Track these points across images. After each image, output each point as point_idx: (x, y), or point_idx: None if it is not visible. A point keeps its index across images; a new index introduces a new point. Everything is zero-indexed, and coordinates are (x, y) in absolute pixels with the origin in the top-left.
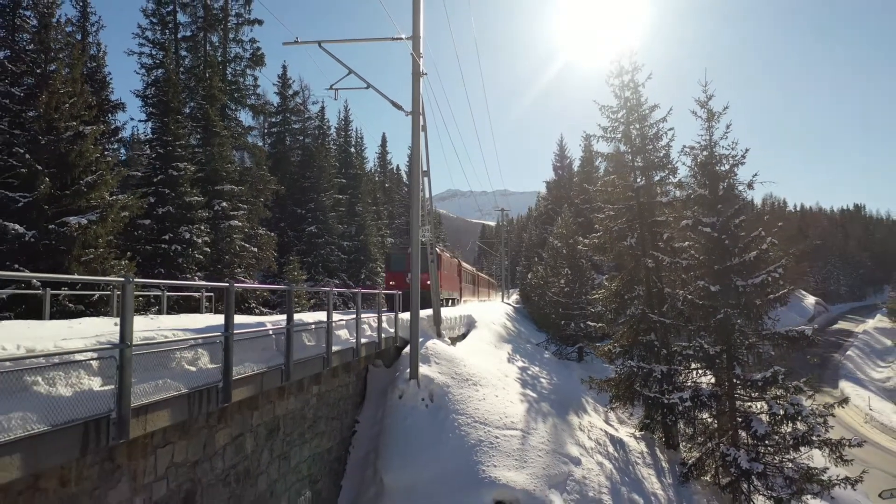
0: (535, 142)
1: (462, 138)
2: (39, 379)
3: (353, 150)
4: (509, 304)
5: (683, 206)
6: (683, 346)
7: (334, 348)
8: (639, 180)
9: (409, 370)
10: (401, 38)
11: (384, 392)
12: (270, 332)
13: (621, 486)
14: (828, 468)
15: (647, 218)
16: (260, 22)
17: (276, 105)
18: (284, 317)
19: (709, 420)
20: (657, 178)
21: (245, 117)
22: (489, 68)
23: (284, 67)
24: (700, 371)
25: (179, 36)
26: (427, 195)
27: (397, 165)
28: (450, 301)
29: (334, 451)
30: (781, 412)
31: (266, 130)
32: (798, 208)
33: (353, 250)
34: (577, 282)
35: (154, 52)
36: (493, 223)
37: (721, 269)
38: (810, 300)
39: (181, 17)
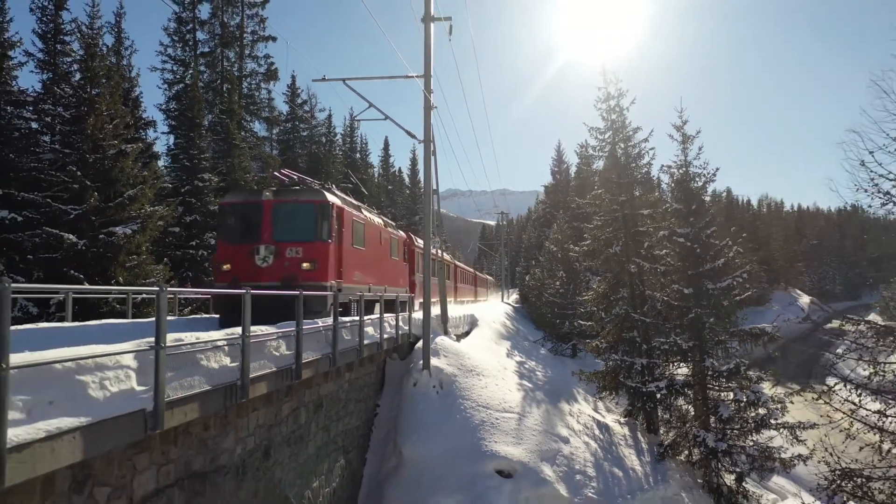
0: (536, 141)
1: (461, 139)
2: (202, 357)
3: (357, 155)
4: (509, 304)
5: (662, 218)
6: (662, 341)
7: (365, 342)
8: (623, 195)
9: (421, 362)
10: (413, 77)
11: (401, 380)
12: (321, 328)
13: (604, 461)
14: (787, 448)
15: (631, 228)
16: (273, 39)
17: (285, 113)
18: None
19: (684, 407)
20: (639, 192)
21: (257, 126)
22: (489, 68)
23: (293, 77)
24: (676, 363)
25: (198, 52)
26: (436, 206)
27: (399, 168)
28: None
29: (361, 429)
30: (744, 399)
31: (276, 138)
32: (795, 208)
33: None
34: (570, 284)
35: (175, 69)
36: (492, 223)
37: (693, 274)
38: (805, 299)
39: (200, 35)
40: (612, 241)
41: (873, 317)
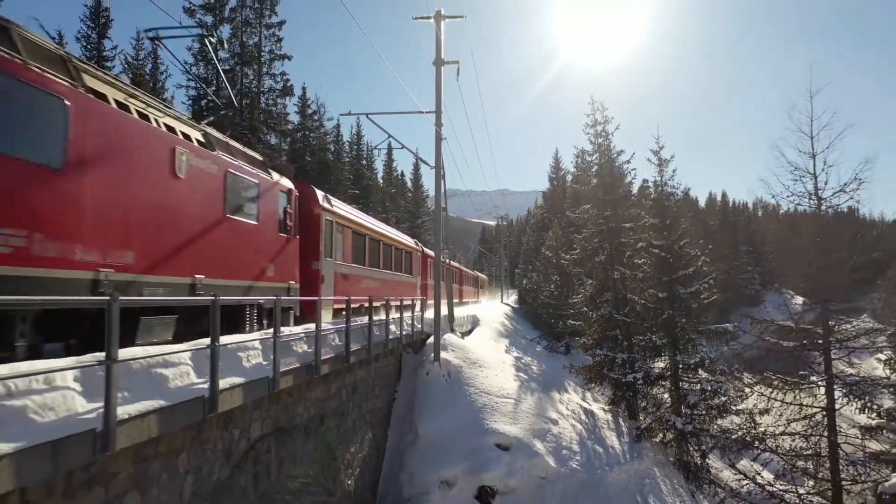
0: (536, 140)
1: (461, 139)
2: (294, 344)
3: (364, 162)
4: (507, 305)
5: (641, 231)
6: (640, 339)
7: (390, 337)
8: (607, 211)
9: (433, 355)
10: (424, 112)
11: (415, 370)
12: (360, 325)
13: (587, 440)
14: (741, 429)
15: (614, 239)
16: (289, 57)
17: (295, 123)
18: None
19: (662, 395)
20: (621, 209)
21: (273, 139)
22: (490, 68)
23: (304, 89)
24: (653, 358)
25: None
26: (443, 215)
27: (402, 172)
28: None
29: (383, 410)
30: (709, 388)
31: (287, 147)
32: (792, 210)
33: None
34: (564, 287)
35: (198, 87)
36: (492, 223)
37: (667, 280)
38: (798, 300)
39: (222, 54)
40: (598, 251)
41: (865, 317)
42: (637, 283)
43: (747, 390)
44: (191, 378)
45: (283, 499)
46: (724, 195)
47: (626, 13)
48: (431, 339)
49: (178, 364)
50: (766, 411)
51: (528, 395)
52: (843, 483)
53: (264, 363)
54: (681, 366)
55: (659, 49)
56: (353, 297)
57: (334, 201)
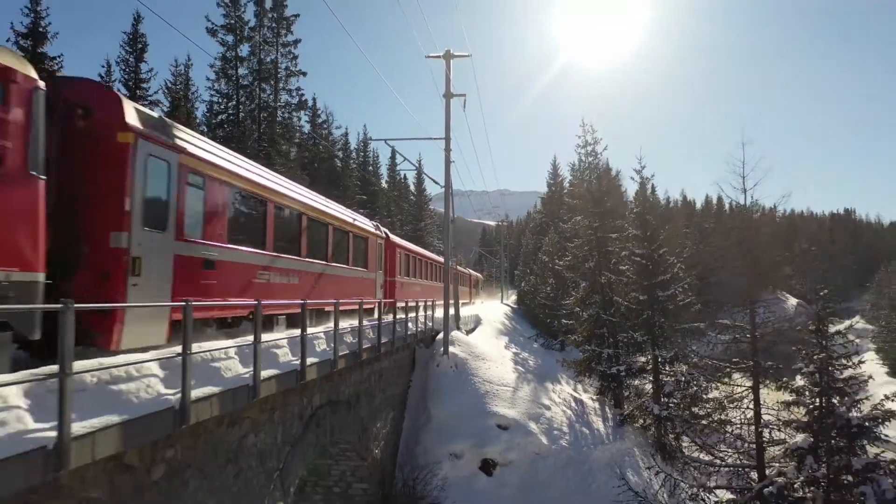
0: (536, 140)
1: (460, 141)
2: (347, 336)
3: (370, 168)
4: (507, 305)
5: (625, 241)
6: (624, 336)
7: (409, 332)
8: (596, 222)
9: (442, 349)
10: (436, 139)
11: (426, 363)
12: (387, 322)
13: (576, 424)
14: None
15: (602, 248)
16: (304, 73)
17: (306, 133)
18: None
19: (645, 386)
20: (608, 221)
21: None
22: (491, 68)
23: (314, 100)
24: (636, 353)
25: (239, 85)
26: (452, 225)
27: (404, 175)
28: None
29: (400, 396)
30: (682, 379)
31: (297, 155)
32: (788, 212)
33: None
34: (558, 289)
35: (219, 101)
36: (492, 223)
37: (647, 285)
38: (792, 302)
39: (241, 70)
40: (588, 258)
41: (857, 318)
42: (622, 286)
43: (715, 383)
44: (288, 357)
45: (327, 463)
46: (719, 199)
47: (627, 13)
48: (440, 336)
49: (282, 346)
50: (733, 399)
51: (524, 385)
52: (764, 443)
53: (328, 349)
54: (659, 360)
55: (660, 47)
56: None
57: (183, 130)
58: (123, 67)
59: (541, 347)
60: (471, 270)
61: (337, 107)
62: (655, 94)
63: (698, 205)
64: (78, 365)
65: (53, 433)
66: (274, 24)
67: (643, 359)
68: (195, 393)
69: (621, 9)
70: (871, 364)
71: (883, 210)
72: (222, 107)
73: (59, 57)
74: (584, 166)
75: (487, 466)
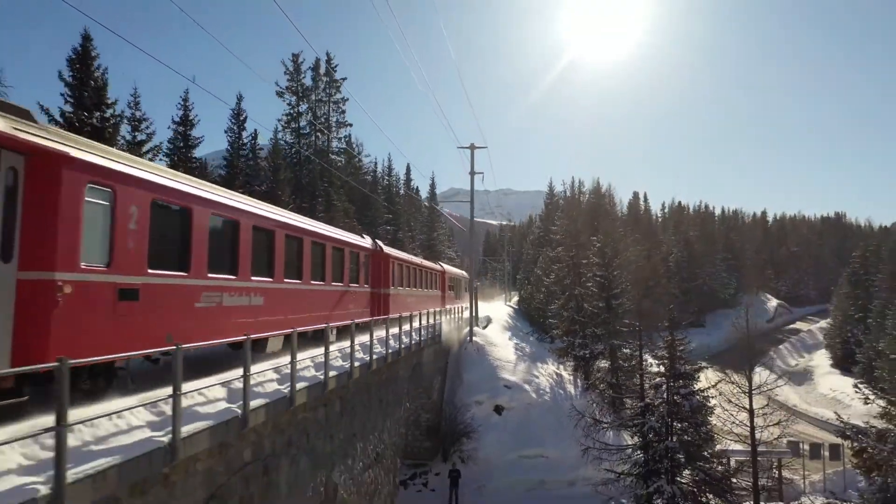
0: (539, 139)
1: (462, 140)
2: (405, 338)
3: (393, 190)
4: (510, 307)
5: (592, 266)
6: (590, 331)
7: (444, 329)
8: (573, 251)
9: (468, 338)
10: (463, 201)
11: (459, 348)
12: (434, 323)
13: (555, 387)
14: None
15: (577, 270)
16: (350, 125)
17: (343, 161)
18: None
19: (601, 365)
20: (581, 251)
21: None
22: (494, 67)
23: (349, 134)
24: (597, 342)
25: (301, 133)
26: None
27: (417, 188)
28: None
29: (443, 369)
30: (629, 359)
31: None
32: (778, 217)
33: None
34: (547, 298)
35: (287, 149)
36: (495, 222)
37: (606, 296)
38: (773, 303)
39: (301, 123)
40: (566, 277)
41: (829, 320)
42: (588, 297)
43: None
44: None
45: (406, 406)
46: (705, 207)
47: (633, 9)
48: (466, 330)
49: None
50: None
51: (522, 363)
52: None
53: (412, 341)
54: (617, 347)
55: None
56: None
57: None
58: (230, 136)
59: (535, 340)
60: (449, 267)
61: (360, 131)
62: (656, 93)
63: (691, 209)
64: None
65: None
66: (326, 87)
67: (601, 346)
68: None
69: (625, 7)
70: (821, 357)
71: (874, 213)
72: (291, 150)
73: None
74: (567, 214)
75: (499, 409)
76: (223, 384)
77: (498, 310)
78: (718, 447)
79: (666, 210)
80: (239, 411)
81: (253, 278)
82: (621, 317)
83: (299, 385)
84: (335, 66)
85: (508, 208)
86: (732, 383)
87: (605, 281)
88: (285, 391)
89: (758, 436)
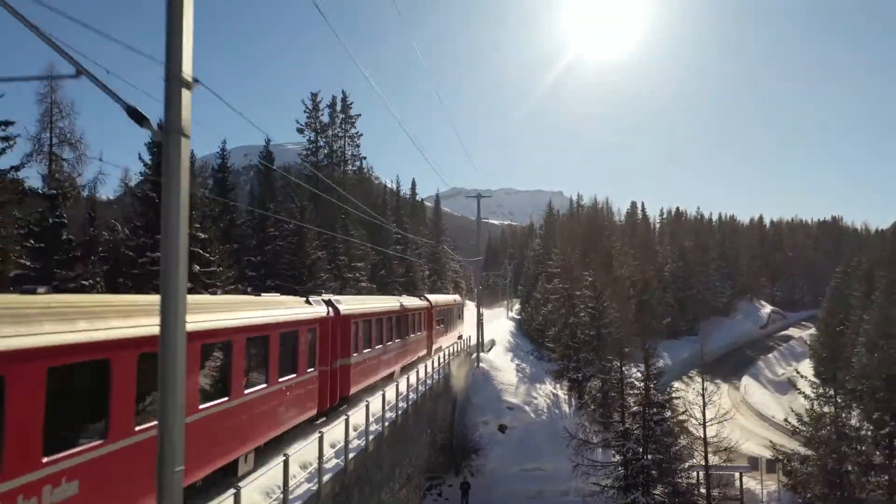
0: (541, 137)
1: (464, 138)
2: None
3: (401, 212)
4: (512, 318)
5: (584, 297)
6: (583, 356)
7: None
8: (567, 284)
9: (476, 363)
10: (468, 260)
11: (467, 372)
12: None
13: (552, 407)
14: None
15: (571, 301)
16: (364, 157)
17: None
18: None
19: (593, 385)
20: (574, 285)
21: None
22: (496, 66)
23: (362, 159)
24: (589, 366)
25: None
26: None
27: (421, 200)
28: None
29: (452, 397)
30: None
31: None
32: (775, 221)
33: (408, 283)
34: (545, 323)
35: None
36: (497, 222)
37: (597, 325)
38: (767, 310)
39: (319, 155)
40: (561, 307)
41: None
42: (582, 326)
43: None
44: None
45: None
46: (700, 216)
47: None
48: (474, 355)
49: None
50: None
51: (522, 385)
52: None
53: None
54: (602, 370)
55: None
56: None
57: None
58: (253, 186)
59: (535, 359)
60: (437, 297)
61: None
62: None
63: (689, 214)
64: None
65: None
66: (342, 123)
67: (592, 370)
68: None
69: (627, 4)
70: (806, 367)
71: (871, 216)
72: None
73: None
74: (562, 261)
75: (502, 428)
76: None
77: (500, 324)
78: (688, 463)
79: (664, 215)
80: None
81: None
82: (610, 345)
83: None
84: (350, 104)
85: (510, 207)
86: (692, 417)
87: (595, 312)
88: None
89: (713, 458)
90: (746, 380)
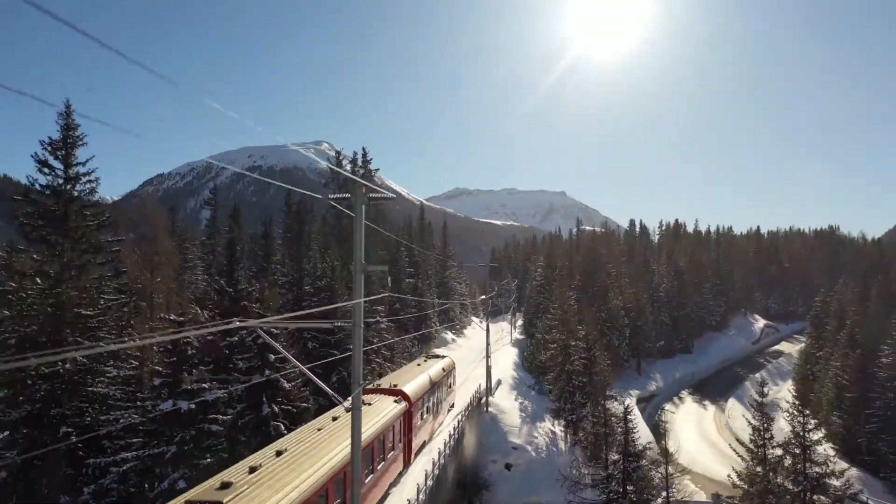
0: (544, 137)
1: (467, 137)
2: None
3: (413, 245)
4: (515, 346)
5: (579, 349)
6: (578, 398)
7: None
8: (564, 335)
9: (485, 408)
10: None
11: (478, 413)
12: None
13: (550, 444)
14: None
15: (568, 350)
16: (377, 205)
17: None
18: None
19: (587, 424)
20: (571, 335)
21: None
22: (498, 65)
23: (374, 205)
24: (583, 406)
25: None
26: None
27: (429, 222)
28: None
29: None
30: (607, 419)
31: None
32: (773, 231)
33: (419, 321)
34: (545, 366)
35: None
36: (500, 223)
37: (589, 373)
38: (760, 324)
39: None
40: (559, 355)
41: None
42: (577, 374)
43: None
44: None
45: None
46: (696, 230)
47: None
48: (483, 399)
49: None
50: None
51: (525, 426)
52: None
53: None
54: (600, 407)
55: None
56: None
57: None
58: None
59: (536, 394)
60: (413, 386)
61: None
62: (657, 90)
63: (688, 227)
64: None
65: None
66: (361, 169)
67: (585, 411)
68: None
69: (627, 5)
70: (788, 389)
71: (867, 226)
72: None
73: None
74: (559, 317)
75: (508, 466)
76: None
77: (504, 355)
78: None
79: (664, 228)
80: None
81: None
82: (600, 387)
83: None
84: (370, 160)
85: (513, 208)
86: (665, 463)
87: (587, 360)
88: None
89: (677, 494)
90: (732, 402)
